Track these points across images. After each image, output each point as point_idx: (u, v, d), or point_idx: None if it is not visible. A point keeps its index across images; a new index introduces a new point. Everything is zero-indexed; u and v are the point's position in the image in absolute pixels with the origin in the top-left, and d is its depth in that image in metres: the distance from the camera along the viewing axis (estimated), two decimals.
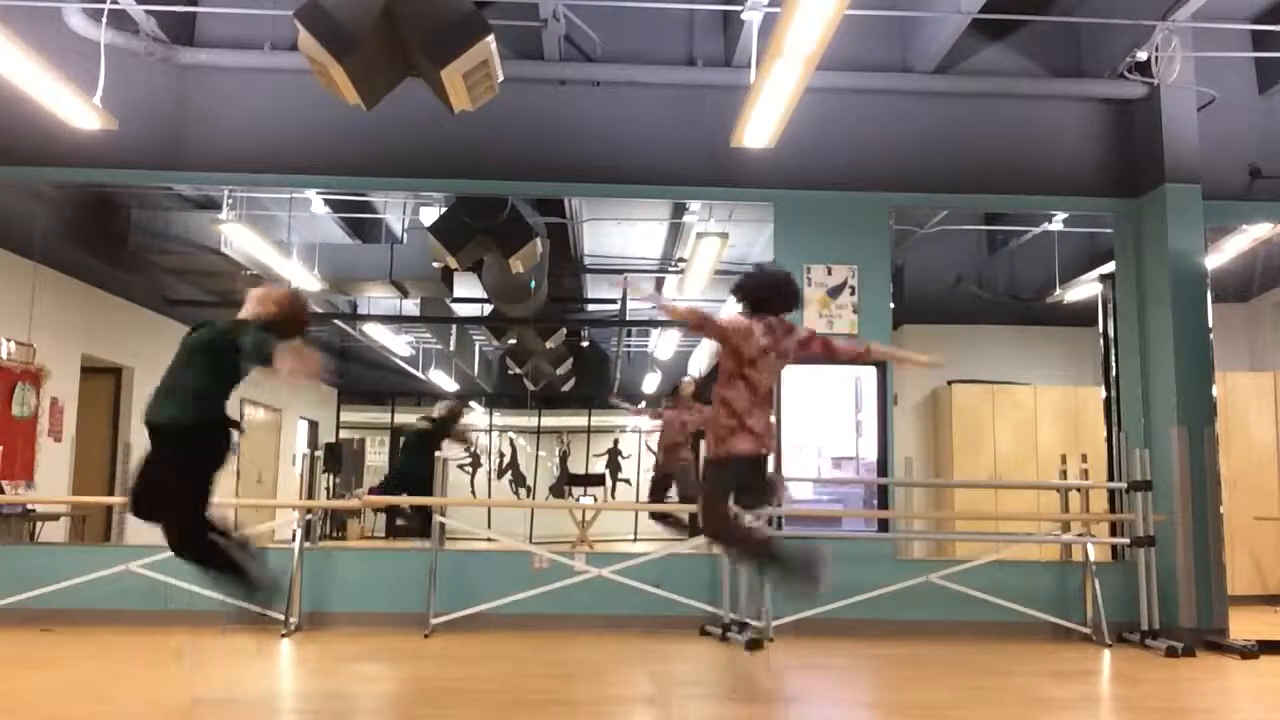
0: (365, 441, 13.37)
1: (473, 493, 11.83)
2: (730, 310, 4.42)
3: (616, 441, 13.09)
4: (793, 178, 6.61)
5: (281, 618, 5.62)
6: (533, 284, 8.89)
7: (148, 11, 6.10)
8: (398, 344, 12.10)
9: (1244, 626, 5.85)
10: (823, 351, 4.38)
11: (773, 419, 4.30)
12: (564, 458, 12.94)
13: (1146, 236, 6.55)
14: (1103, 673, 5.16)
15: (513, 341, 11.67)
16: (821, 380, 6.55)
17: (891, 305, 6.59)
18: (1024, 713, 4.02)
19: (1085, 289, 7.67)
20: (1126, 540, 6.13)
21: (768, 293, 4.29)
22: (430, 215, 8.11)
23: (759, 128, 5.40)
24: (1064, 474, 6.67)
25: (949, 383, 8.92)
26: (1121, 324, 6.65)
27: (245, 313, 3.95)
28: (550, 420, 12.99)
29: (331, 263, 8.95)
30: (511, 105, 6.35)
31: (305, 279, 8.54)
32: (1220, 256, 6.59)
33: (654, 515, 8.76)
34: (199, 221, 8.27)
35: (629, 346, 12.82)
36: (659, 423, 8.97)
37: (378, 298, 10.71)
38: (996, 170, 6.73)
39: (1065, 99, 6.78)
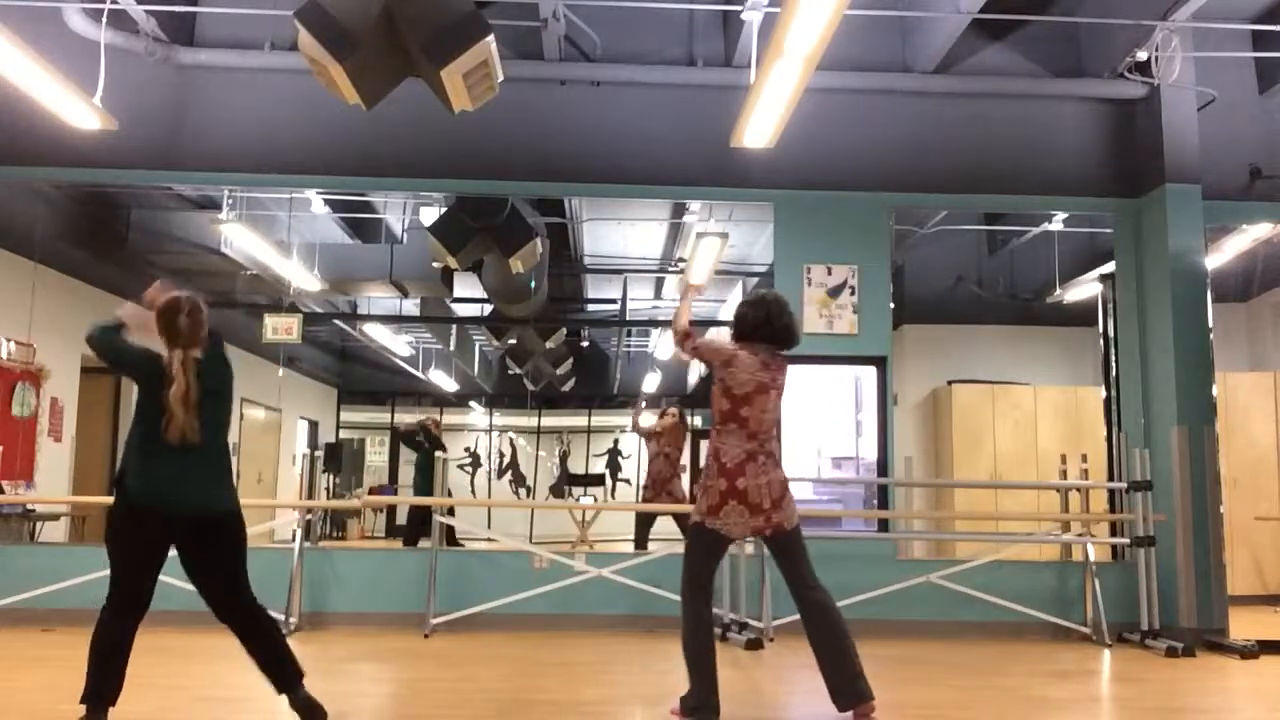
0: (365, 441, 13.37)
1: (472, 493, 11.83)
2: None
3: (616, 441, 13.09)
4: (793, 178, 6.61)
5: (282, 618, 5.62)
6: (532, 284, 8.89)
7: (148, 11, 6.10)
8: (398, 344, 12.10)
9: (1244, 626, 5.86)
10: None
11: (779, 474, 3.65)
12: (564, 458, 12.94)
13: (1146, 236, 6.55)
14: (1103, 673, 5.16)
15: (513, 341, 11.66)
16: (821, 380, 6.56)
17: (891, 305, 6.59)
18: (1024, 713, 4.02)
19: (1085, 289, 7.66)
20: (1126, 540, 6.14)
21: (777, 320, 3.72)
22: (430, 215, 8.11)
23: (759, 128, 5.40)
24: (1064, 474, 6.68)
25: (949, 383, 8.92)
26: (1121, 324, 6.65)
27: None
28: (550, 420, 12.99)
29: (331, 263, 8.95)
30: (511, 105, 6.35)
31: (305, 279, 8.54)
32: (1220, 256, 6.59)
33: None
34: (199, 221, 8.27)
35: (629, 346, 12.81)
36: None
37: (378, 298, 10.71)
38: (996, 170, 6.73)
39: (1065, 99, 6.78)
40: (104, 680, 3.22)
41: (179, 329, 3.36)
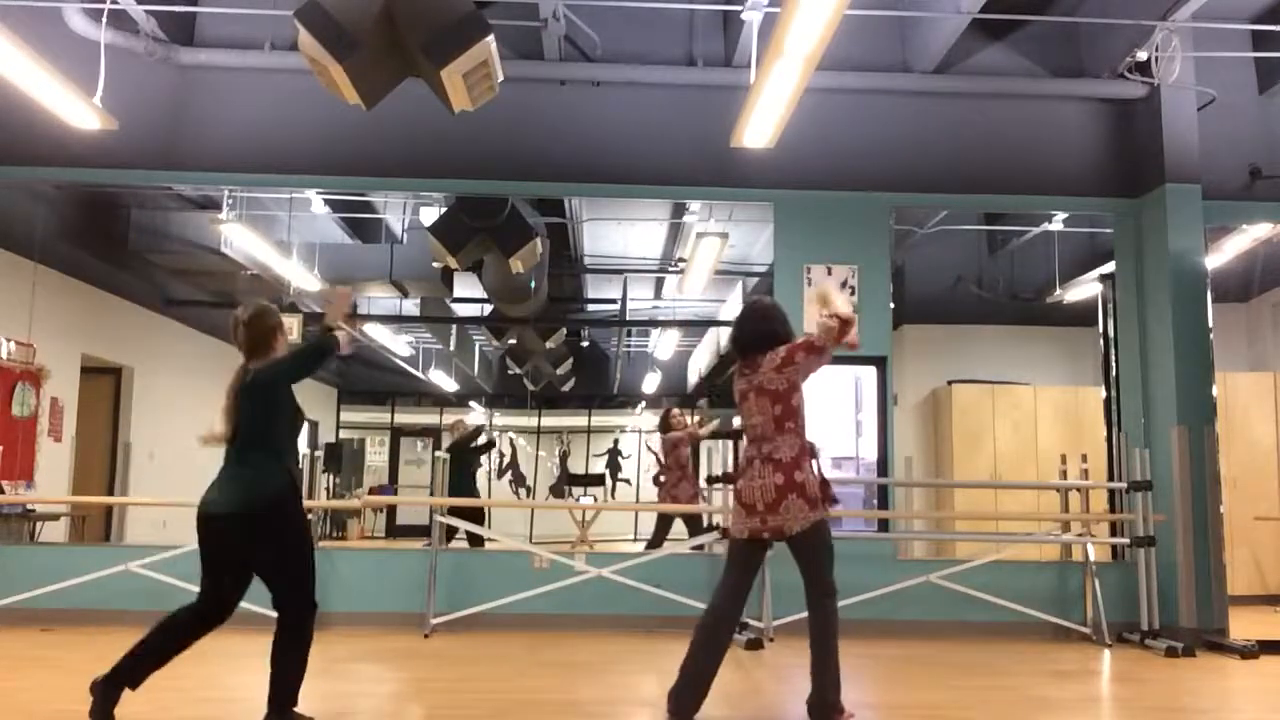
0: (365, 441, 13.38)
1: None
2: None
3: (616, 441, 13.10)
4: (793, 178, 6.61)
5: None
6: (532, 284, 8.89)
7: (148, 11, 6.10)
8: (398, 344, 12.10)
9: (1244, 626, 5.86)
10: (809, 352, 3.72)
11: (778, 478, 3.61)
12: (564, 458, 12.95)
13: (1146, 236, 6.55)
14: (1103, 673, 5.16)
15: (513, 341, 11.67)
16: (821, 380, 6.54)
17: (891, 305, 6.59)
18: (1024, 713, 4.02)
19: (1085, 289, 7.67)
20: (1126, 540, 6.14)
21: (735, 331, 3.86)
22: (430, 215, 8.11)
23: (759, 128, 5.40)
24: (1064, 474, 6.68)
25: (949, 383, 8.92)
26: (1121, 324, 6.65)
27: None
28: (550, 420, 12.99)
29: (331, 263, 8.95)
30: (511, 105, 6.35)
31: (305, 279, 8.55)
32: (1220, 256, 6.59)
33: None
34: (199, 221, 8.27)
35: (629, 346, 12.82)
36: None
37: (378, 298, 10.71)
38: (996, 170, 6.73)
39: (1065, 99, 6.78)
40: (140, 660, 3.31)
41: (240, 342, 3.55)
